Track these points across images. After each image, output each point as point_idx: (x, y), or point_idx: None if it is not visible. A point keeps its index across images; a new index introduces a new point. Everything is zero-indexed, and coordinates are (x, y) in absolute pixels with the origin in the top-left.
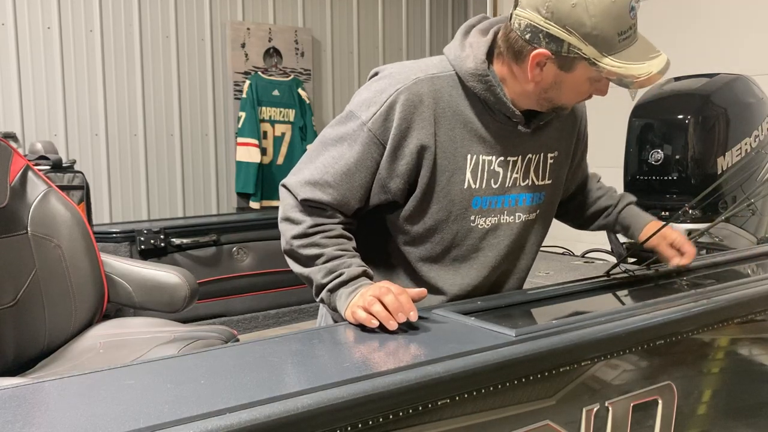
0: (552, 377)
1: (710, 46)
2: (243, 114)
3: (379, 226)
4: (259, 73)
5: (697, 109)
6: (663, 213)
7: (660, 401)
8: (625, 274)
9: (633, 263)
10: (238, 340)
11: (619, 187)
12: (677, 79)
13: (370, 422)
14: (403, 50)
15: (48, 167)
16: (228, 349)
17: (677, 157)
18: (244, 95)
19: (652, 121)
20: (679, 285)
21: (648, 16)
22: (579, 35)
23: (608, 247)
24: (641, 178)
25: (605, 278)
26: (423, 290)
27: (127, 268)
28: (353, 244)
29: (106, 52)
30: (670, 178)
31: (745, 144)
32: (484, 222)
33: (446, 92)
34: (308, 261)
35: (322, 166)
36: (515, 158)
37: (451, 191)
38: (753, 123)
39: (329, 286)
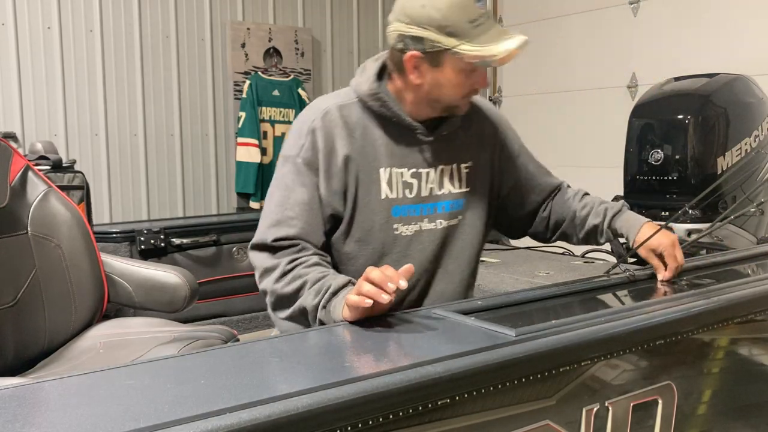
0: (552, 377)
1: (710, 46)
2: (243, 114)
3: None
4: (259, 73)
5: (697, 109)
6: (663, 213)
7: (660, 401)
8: (625, 274)
9: (633, 263)
10: (238, 340)
11: (619, 188)
12: (677, 79)
13: (370, 422)
14: None
15: (48, 167)
16: (228, 349)
17: (677, 157)
18: (244, 95)
19: (652, 121)
20: (679, 285)
21: (648, 16)
22: (434, 29)
23: (608, 247)
24: (641, 178)
25: (605, 278)
26: (410, 266)
27: (127, 268)
28: (332, 270)
29: (106, 52)
30: (670, 178)
31: (745, 144)
32: (406, 229)
33: (354, 116)
34: (294, 295)
35: (276, 207)
36: (427, 170)
37: (371, 202)
38: (753, 123)
39: (322, 302)
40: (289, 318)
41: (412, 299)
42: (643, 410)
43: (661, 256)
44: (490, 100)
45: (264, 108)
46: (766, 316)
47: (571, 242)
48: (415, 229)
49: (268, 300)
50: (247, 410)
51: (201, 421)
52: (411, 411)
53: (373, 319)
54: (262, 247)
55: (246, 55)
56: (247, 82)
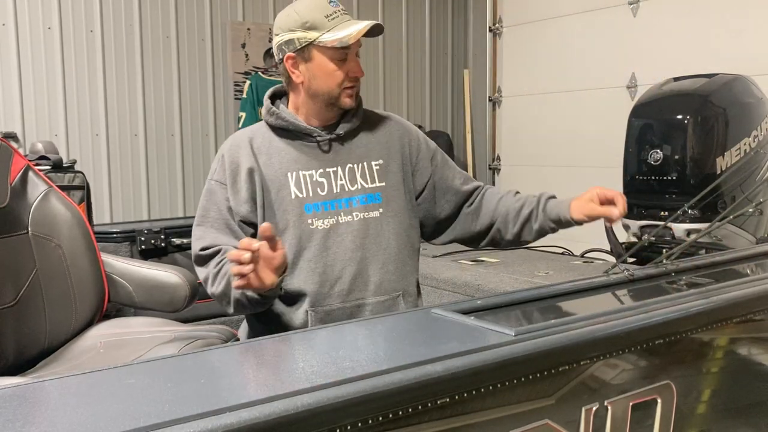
0: (551, 376)
1: (709, 46)
2: (243, 114)
3: None
4: (260, 73)
5: (697, 109)
6: (662, 213)
7: (659, 400)
8: (625, 274)
9: (632, 263)
10: (238, 340)
11: (619, 188)
12: (676, 79)
13: (370, 421)
14: (403, 50)
15: (48, 167)
16: (228, 349)
17: (676, 157)
18: (244, 95)
19: (651, 122)
20: (678, 285)
21: (648, 16)
22: (298, 28)
23: (608, 247)
24: (640, 178)
25: (604, 278)
26: (266, 225)
27: (128, 267)
28: None
29: (106, 52)
30: (669, 178)
31: (744, 144)
32: (322, 223)
33: (259, 136)
34: (226, 293)
35: (197, 226)
36: (334, 168)
37: (283, 203)
38: (752, 123)
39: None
40: (241, 310)
41: (343, 288)
42: (643, 410)
43: (602, 203)
44: (490, 100)
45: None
46: (765, 316)
47: (502, 242)
48: (331, 223)
49: (224, 307)
50: (247, 409)
51: (201, 420)
52: (411, 410)
53: (372, 319)
54: (196, 262)
55: (246, 55)
56: (248, 82)
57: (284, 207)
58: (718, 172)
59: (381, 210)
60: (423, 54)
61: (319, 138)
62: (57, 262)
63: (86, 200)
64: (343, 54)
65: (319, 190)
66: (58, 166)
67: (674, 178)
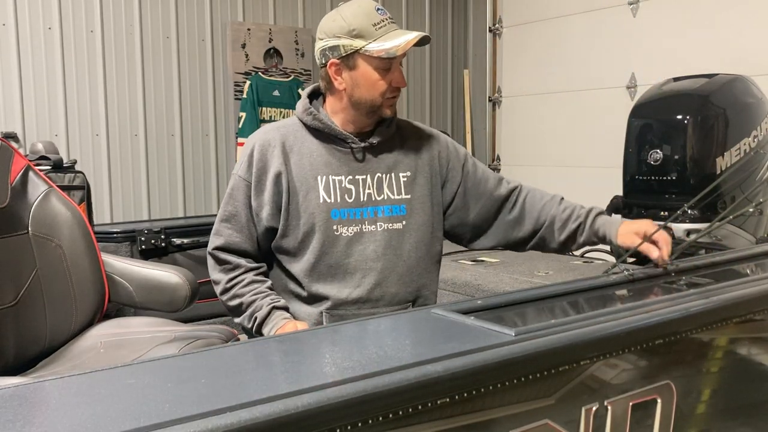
0: (551, 376)
1: (709, 47)
2: (243, 114)
3: (275, 263)
4: (260, 73)
5: (696, 109)
6: (662, 213)
7: (659, 400)
8: (625, 274)
9: (632, 263)
10: (238, 340)
11: (618, 188)
12: (676, 79)
13: (370, 421)
14: None
15: (49, 167)
16: (228, 349)
17: (676, 157)
18: (244, 95)
19: (651, 122)
20: (678, 285)
21: (647, 17)
22: (345, 35)
23: (608, 247)
24: (640, 178)
25: (604, 278)
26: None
27: (128, 267)
28: (267, 284)
29: (106, 52)
30: (669, 178)
31: (744, 144)
32: (347, 230)
33: (292, 134)
34: (236, 310)
35: (218, 219)
36: (363, 176)
37: (310, 206)
38: (752, 123)
39: (254, 330)
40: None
41: (361, 295)
42: (642, 409)
43: (650, 241)
44: (490, 100)
45: (264, 108)
46: (765, 316)
47: (546, 248)
48: (355, 231)
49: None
50: (247, 409)
51: (201, 420)
52: (411, 410)
53: (373, 319)
54: (210, 256)
55: (246, 55)
56: (248, 82)
57: (311, 210)
58: (718, 172)
59: (404, 222)
60: (423, 54)
61: (353, 145)
62: (57, 262)
63: (86, 200)
64: (388, 64)
65: (346, 196)
66: (58, 166)
67: (674, 178)
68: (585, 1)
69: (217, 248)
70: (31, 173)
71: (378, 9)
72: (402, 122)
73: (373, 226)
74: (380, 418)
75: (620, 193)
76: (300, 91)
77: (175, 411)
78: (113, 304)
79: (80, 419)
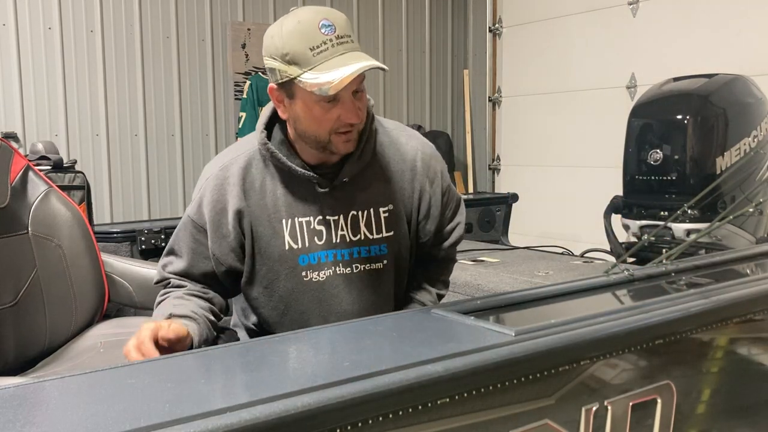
0: (551, 376)
1: (709, 46)
2: (243, 114)
3: (250, 301)
4: (260, 73)
5: (696, 109)
6: (662, 213)
7: (659, 400)
8: (625, 274)
9: (632, 263)
10: (238, 339)
11: (618, 188)
12: (676, 79)
13: (370, 421)
14: (403, 50)
15: (49, 167)
16: (228, 349)
17: (676, 157)
18: (244, 95)
19: (651, 122)
20: (679, 285)
21: (647, 17)
22: (279, 59)
23: (608, 247)
24: (640, 178)
25: (604, 278)
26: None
27: (128, 267)
28: (193, 303)
29: (106, 52)
30: (669, 178)
31: (744, 144)
32: (318, 275)
33: (254, 168)
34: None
35: (167, 253)
36: (336, 217)
37: (273, 254)
38: (752, 123)
39: None
40: None
41: None
42: (642, 410)
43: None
44: (490, 100)
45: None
46: (765, 316)
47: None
48: (327, 274)
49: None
50: (247, 409)
51: (201, 420)
52: (411, 410)
53: (372, 319)
54: (156, 282)
55: (246, 55)
56: (248, 82)
57: (275, 257)
58: (718, 172)
59: (385, 261)
60: (423, 54)
61: (318, 183)
62: (57, 262)
63: (86, 200)
64: (330, 97)
65: (316, 239)
66: (58, 166)
67: (674, 178)
68: (585, 1)
69: (161, 280)
70: (30, 173)
71: (323, 25)
72: (386, 140)
73: (348, 269)
74: (380, 418)
75: (620, 193)
76: None
77: (175, 411)
78: (113, 304)
79: (80, 419)
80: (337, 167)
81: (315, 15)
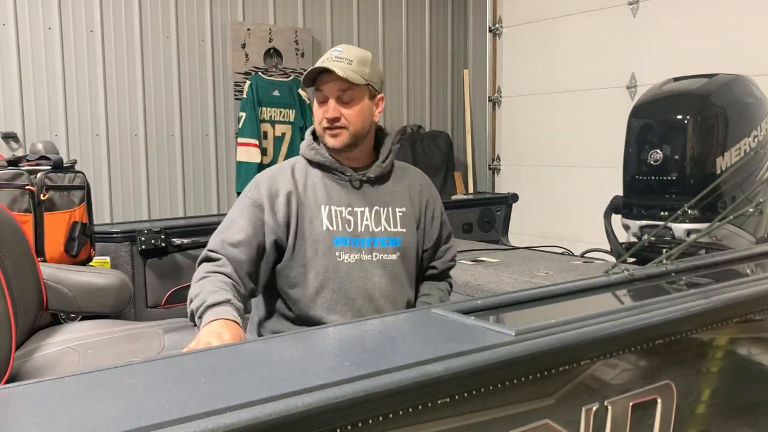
0: (551, 376)
1: (709, 46)
2: (243, 114)
3: (277, 297)
4: (260, 73)
5: (697, 109)
6: (662, 213)
7: (659, 400)
8: (625, 274)
9: (632, 263)
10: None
11: (619, 188)
12: (676, 79)
13: (370, 421)
14: (403, 50)
15: (49, 167)
16: (228, 349)
17: (676, 157)
18: (244, 95)
19: (651, 122)
20: (678, 285)
21: (647, 17)
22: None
23: (608, 247)
24: (640, 178)
25: (605, 278)
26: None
27: (66, 274)
28: (232, 287)
29: (106, 52)
30: (669, 178)
31: (744, 144)
32: (348, 257)
33: (298, 168)
34: (196, 284)
35: (223, 227)
36: (362, 209)
37: (314, 232)
38: (752, 123)
39: (196, 311)
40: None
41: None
42: (642, 409)
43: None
44: (490, 100)
45: (264, 108)
46: (765, 316)
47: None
48: (356, 258)
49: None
50: (247, 409)
51: (201, 419)
52: (411, 410)
53: (372, 319)
54: (204, 259)
55: (246, 55)
56: (248, 82)
57: (315, 236)
58: (718, 172)
59: (398, 254)
60: (423, 54)
61: (350, 177)
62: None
63: (86, 200)
64: (321, 96)
65: (347, 226)
66: (58, 166)
67: (674, 178)
68: (585, 1)
69: (212, 250)
70: None
71: (336, 50)
72: (402, 163)
73: (370, 256)
74: (380, 418)
75: (620, 193)
76: (300, 91)
77: (175, 411)
78: (52, 311)
79: (80, 419)
80: (364, 170)
81: (338, 46)
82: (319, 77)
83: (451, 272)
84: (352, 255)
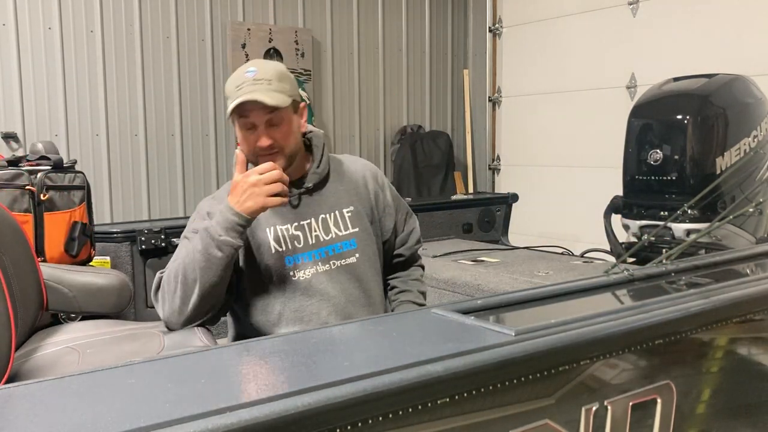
0: (551, 376)
1: (709, 46)
2: None
3: (242, 322)
4: None
5: (696, 109)
6: (662, 213)
7: (659, 400)
8: (625, 274)
9: (632, 263)
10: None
11: (618, 188)
12: (676, 79)
13: (370, 421)
14: (403, 50)
15: (49, 167)
16: (228, 349)
17: (676, 157)
18: None
19: (651, 122)
20: (678, 285)
21: (647, 17)
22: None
23: (607, 247)
24: (640, 178)
25: (604, 278)
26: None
27: (67, 275)
28: None
29: (106, 52)
30: (669, 178)
31: (744, 144)
32: (303, 274)
33: None
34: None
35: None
36: (308, 221)
37: (264, 258)
38: (752, 123)
39: (210, 229)
40: (212, 261)
41: None
42: (642, 409)
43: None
44: (490, 100)
45: None
46: (765, 316)
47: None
48: (312, 272)
49: (160, 309)
50: (247, 409)
51: (202, 419)
52: (411, 410)
53: (372, 319)
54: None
55: (246, 55)
56: None
57: (265, 262)
58: (718, 172)
59: (357, 255)
60: (423, 54)
61: (290, 195)
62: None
63: (86, 200)
64: (247, 123)
65: (296, 243)
66: (58, 166)
67: (674, 178)
68: (585, 1)
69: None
70: None
71: (249, 71)
72: (336, 159)
73: (327, 266)
74: (380, 418)
75: (620, 193)
76: (300, 91)
77: (175, 411)
78: (53, 311)
79: (80, 419)
80: (300, 182)
81: (248, 65)
82: (243, 104)
83: (451, 272)
84: (308, 270)
